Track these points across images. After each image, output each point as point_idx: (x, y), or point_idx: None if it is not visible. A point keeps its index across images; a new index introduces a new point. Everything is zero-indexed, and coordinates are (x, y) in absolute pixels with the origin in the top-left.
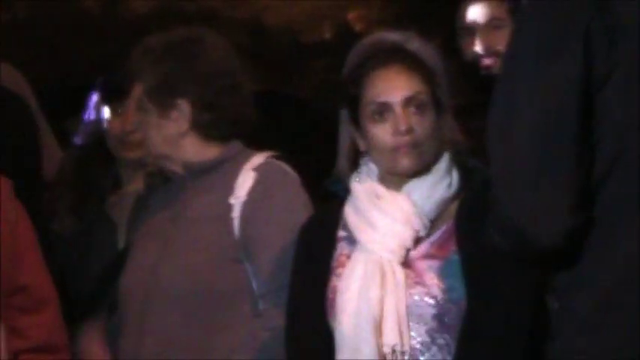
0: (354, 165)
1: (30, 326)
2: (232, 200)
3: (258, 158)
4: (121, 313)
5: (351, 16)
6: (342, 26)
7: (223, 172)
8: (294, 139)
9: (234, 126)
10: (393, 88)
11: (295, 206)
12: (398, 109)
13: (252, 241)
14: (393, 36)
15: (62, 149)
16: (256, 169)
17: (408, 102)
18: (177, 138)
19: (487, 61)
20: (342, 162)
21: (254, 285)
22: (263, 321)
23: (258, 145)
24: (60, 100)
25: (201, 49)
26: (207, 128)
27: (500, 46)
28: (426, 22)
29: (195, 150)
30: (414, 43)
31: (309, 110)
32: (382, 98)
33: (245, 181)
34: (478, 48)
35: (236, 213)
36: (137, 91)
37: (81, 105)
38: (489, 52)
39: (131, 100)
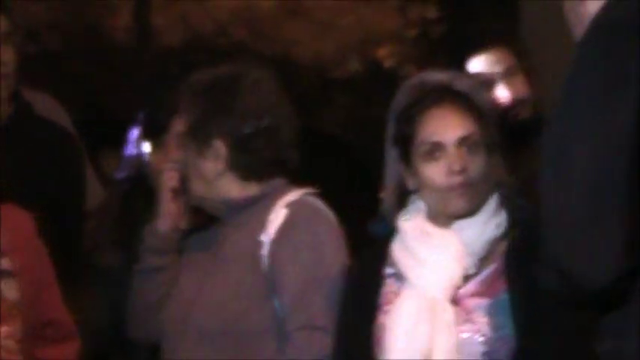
0: (400, 204)
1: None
2: (263, 237)
3: (294, 195)
4: (162, 348)
5: (381, 52)
6: (371, 62)
7: (259, 208)
8: (328, 177)
9: (273, 166)
10: (447, 127)
11: (323, 243)
12: (452, 149)
13: (277, 279)
14: (439, 75)
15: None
16: (288, 205)
17: (461, 142)
18: (213, 178)
19: (514, 110)
20: (389, 201)
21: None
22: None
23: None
24: (93, 134)
25: (242, 86)
26: (244, 169)
27: (521, 92)
28: (457, 59)
29: (233, 189)
30: (463, 83)
31: (337, 145)
32: (436, 138)
33: (277, 217)
34: (502, 99)
35: (265, 251)
36: (178, 126)
37: (114, 138)
38: (516, 100)
39: (171, 134)
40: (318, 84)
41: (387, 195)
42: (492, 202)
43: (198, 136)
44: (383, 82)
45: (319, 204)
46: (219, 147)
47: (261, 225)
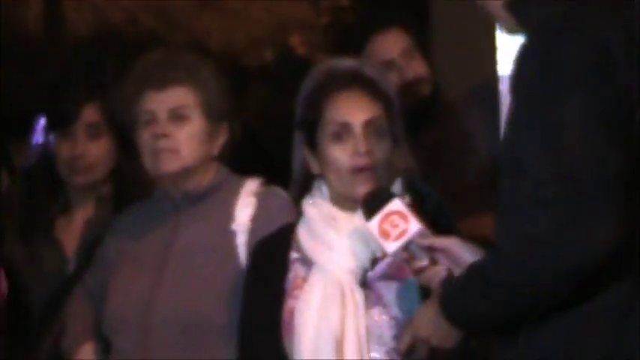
0: (305, 189)
1: None
2: (234, 227)
3: (252, 184)
4: (116, 344)
5: (293, 40)
6: (284, 50)
7: (218, 198)
8: (238, 163)
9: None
10: (355, 109)
11: None
12: (358, 130)
13: None
14: (348, 62)
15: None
16: (255, 195)
17: (368, 125)
18: (209, 159)
19: (413, 89)
20: (294, 186)
21: None
22: None
23: None
24: (2, 124)
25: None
26: (221, 154)
27: (421, 71)
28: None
29: (192, 179)
30: (371, 70)
31: (249, 134)
32: (344, 119)
33: (245, 206)
34: (402, 79)
35: (240, 240)
36: (88, 116)
37: (23, 129)
38: (417, 80)
39: (80, 124)
40: (230, 73)
41: (294, 180)
42: (397, 188)
43: (216, 115)
44: (295, 70)
45: (284, 193)
46: (225, 129)
47: (226, 215)
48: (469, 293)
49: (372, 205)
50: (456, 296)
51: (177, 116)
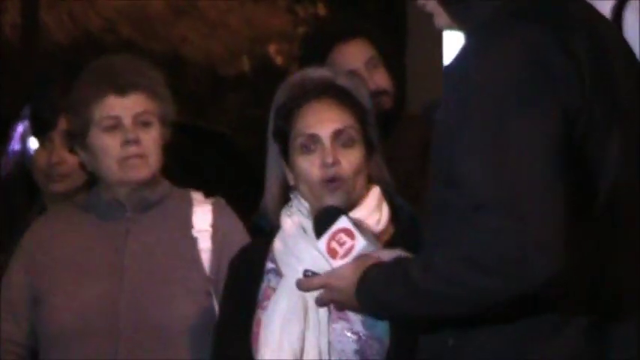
0: (283, 200)
1: None
2: (195, 233)
3: (198, 194)
4: (69, 354)
5: (271, 49)
6: (262, 60)
7: (170, 206)
8: (214, 173)
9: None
10: (324, 120)
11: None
12: (327, 141)
13: (224, 275)
14: (322, 71)
15: None
16: (212, 203)
17: (337, 135)
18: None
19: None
20: (269, 197)
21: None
22: None
23: (180, 181)
24: None
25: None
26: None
27: (384, 84)
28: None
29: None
30: (344, 79)
31: (226, 144)
32: (312, 130)
33: (203, 214)
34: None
35: (204, 245)
36: (64, 123)
37: (2, 135)
38: (378, 92)
39: (57, 131)
40: (208, 82)
41: (267, 191)
42: (372, 199)
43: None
44: (273, 80)
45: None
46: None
47: (182, 222)
48: (389, 292)
49: (321, 224)
50: (374, 289)
51: (142, 122)
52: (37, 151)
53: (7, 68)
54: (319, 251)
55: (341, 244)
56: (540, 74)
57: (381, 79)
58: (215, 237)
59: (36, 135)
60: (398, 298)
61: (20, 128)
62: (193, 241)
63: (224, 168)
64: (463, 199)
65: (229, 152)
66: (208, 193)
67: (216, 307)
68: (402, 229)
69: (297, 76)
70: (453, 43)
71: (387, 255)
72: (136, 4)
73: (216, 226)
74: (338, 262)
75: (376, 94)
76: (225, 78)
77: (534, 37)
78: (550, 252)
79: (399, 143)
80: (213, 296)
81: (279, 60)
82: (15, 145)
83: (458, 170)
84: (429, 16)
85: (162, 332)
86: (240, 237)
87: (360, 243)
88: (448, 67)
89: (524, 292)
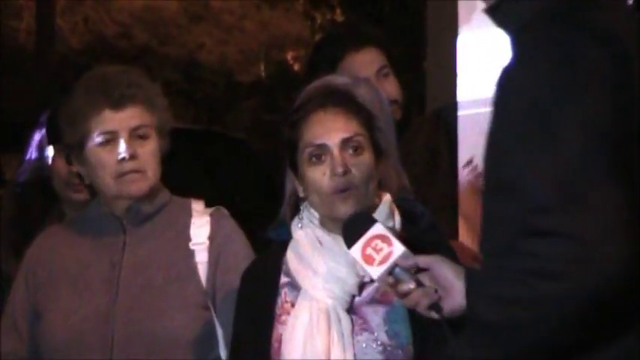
0: (296, 210)
1: None
2: (192, 246)
3: (199, 204)
4: None
5: (288, 55)
6: (278, 66)
7: (168, 217)
8: (229, 179)
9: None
10: (331, 130)
11: (251, 253)
12: (335, 151)
13: (220, 288)
14: (340, 80)
15: None
16: (210, 214)
17: (345, 144)
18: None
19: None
20: (286, 208)
21: (219, 333)
22: None
23: (188, 186)
24: None
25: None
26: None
27: (394, 94)
28: None
29: (159, 194)
30: (361, 88)
31: (243, 150)
32: (320, 140)
33: (201, 226)
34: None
35: (200, 258)
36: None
37: (14, 141)
38: (389, 102)
39: None
40: (223, 88)
41: (284, 202)
42: (384, 206)
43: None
44: (289, 87)
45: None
46: None
47: (181, 234)
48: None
49: (352, 231)
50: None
51: (139, 136)
52: (54, 159)
53: (21, 73)
54: (355, 258)
55: (377, 251)
56: (587, 76)
57: (391, 89)
58: (211, 249)
59: (53, 143)
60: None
61: (37, 136)
62: (190, 254)
63: (242, 174)
64: (520, 206)
65: (248, 159)
66: (224, 200)
67: (215, 321)
68: (420, 237)
69: (315, 84)
70: (469, 45)
71: (425, 261)
72: (151, 9)
73: (212, 238)
74: (375, 269)
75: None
76: (241, 83)
77: (580, 43)
78: (617, 240)
79: (408, 148)
80: (211, 309)
81: (296, 66)
82: (32, 153)
83: (512, 177)
84: (447, 20)
85: (158, 346)
86: (237, 247)
87: (398, 249)
88: (500, 76)
89: (598, 291)
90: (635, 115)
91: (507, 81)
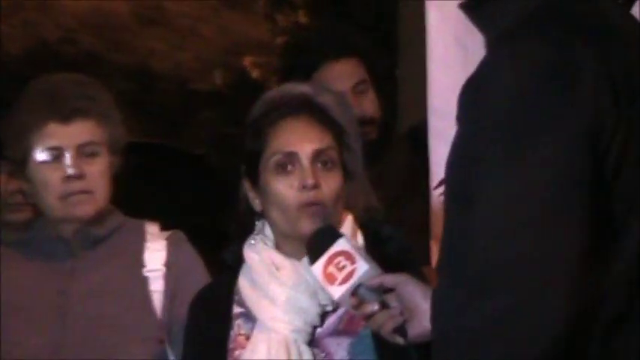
0: (247, 230)
1: None
2: (147, 273)
3: (154, 227)
4: None
5: (247, 62)
6: (237, 73)
7: (119, 241)
8: (186, 197)
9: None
10: (303, 139)
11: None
12: (306, 161)
13: (176, 321)
14: (303, 87)
15: None
16: (167, 238)
17: (317, 155)
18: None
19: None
20: (237, 226)
21: None
22: None
23: (142, 207)
24: None
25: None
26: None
27: (371, 112)
28: None
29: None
30: (326, 97)
31: (202, 166)
32: (290, 148)
33: (156, 251)
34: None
35: (155, 287)
36: None
37: None
38: (364, 121)
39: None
40: (178, 97)
41: (236, 219)
42: (347, 227)
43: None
44: (249, 96)
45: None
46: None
47: (133, 259)
48: None
49: (316, 246)
50: None
51: (87, 153)
52: None
53: None
54: (315, 277)
55: (340, 269)
56: (564, 95)
57: (368, 106)
58: (168, 277)
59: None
60: None
61: None
62: (144, 282)
63: (198, 190)
64: (478, 222)
65: (207, 176)
66: (183, 220)
67: (170, 355)
68: (389, 261)
69: (273, 91)
70: (441, 54)
71: (391, 280)
72: (98, 11)
73: (169, 265)
74: (336, 289)
75: (362, 122)
76: (198, 93)
77: (560, 50)
78: (560, 298)
79: (387, 167)
80: (167, 343)
81: (256, 73)
82: None
83: (476, 194)
84: (420, 27)
85: None
86: (197, 277)
87: (361, 267)
88: (467, 81)
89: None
90: (620, 135)
91: (480, 91)
